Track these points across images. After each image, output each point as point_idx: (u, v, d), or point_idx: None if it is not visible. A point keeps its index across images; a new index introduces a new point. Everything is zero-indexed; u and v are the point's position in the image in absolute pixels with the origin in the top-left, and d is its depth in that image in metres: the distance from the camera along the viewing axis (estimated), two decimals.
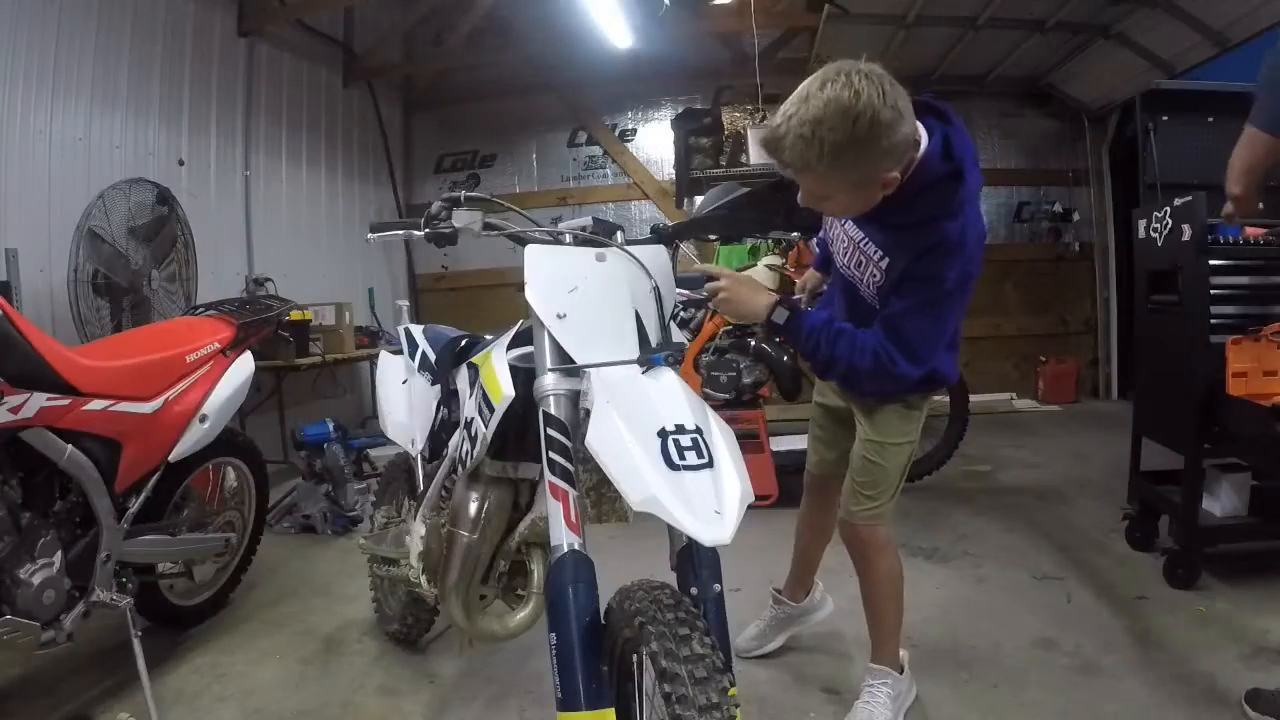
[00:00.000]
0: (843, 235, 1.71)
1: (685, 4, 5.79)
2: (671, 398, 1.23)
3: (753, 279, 1.68)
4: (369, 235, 1.61)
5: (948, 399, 3.87)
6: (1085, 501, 3.60)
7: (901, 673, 1.91)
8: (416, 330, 2.28)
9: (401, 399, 2.26)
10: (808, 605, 2.25)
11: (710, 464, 1.14)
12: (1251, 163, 1.75)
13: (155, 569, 2.32)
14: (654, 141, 6.79)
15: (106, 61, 3.74)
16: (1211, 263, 2.55)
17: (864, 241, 1.64)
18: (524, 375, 1.45)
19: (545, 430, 1.28)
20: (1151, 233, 2.82)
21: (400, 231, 1.57)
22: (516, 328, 1.64)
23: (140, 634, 1.97)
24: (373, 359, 4.74)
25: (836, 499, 2.08)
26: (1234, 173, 1.82)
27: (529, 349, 1.46)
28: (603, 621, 1.19)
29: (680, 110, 6.45)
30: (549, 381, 1.32)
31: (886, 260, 1.58)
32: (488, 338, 1.95)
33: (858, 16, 5.01)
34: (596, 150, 6.88)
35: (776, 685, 2.10)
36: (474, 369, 1.67)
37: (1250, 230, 2.60)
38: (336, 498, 3.73)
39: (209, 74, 4.47)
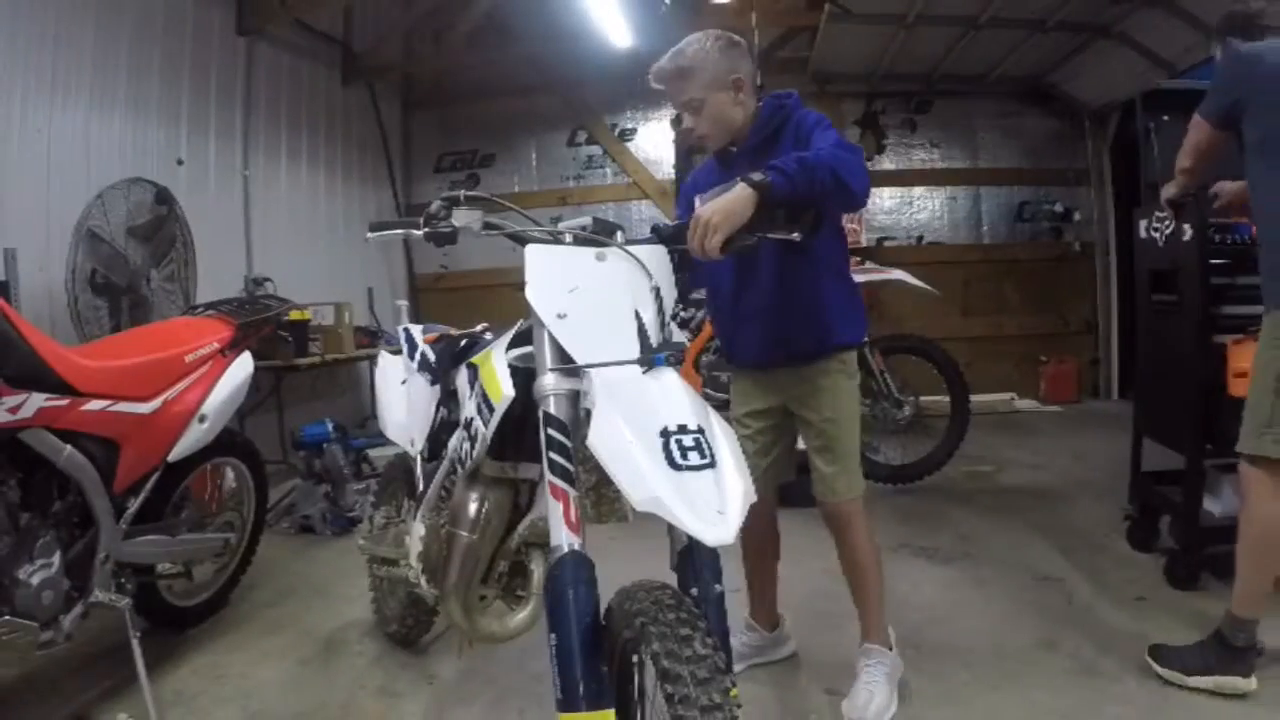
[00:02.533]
0: None
1: (685, 3, 5.79)
2: (673, 398, 1.23)
3: None
4: (368, 234, 1.60)
5: (948, 398, 3.87)
6: (1085, 501, 3.60)
7: (891, 649, 1.98)
8: (416, 330, 2.28)
9: (401, 399, 2.26)
10: (778, 637, 2.24)
11: (712, 464, 1.14)
12: (1195, 143, 2.10)
13: (154, 569, 2.31)
14: (654, 141, 6.79)
15: (105, 61, 3.73)
16: (1211, 263, 2.55)
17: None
18: (524, 375, 1.45)
19: (545, 430, 1.27)
20: (1151, 233, 2.81)
21: (400, 231, 1.57)
22: (516, 328, 1.64)
23: (139, 634, 1.97)
24: (372, 359, 4.73)
25: (771, 511, 2.14)
26: (1183, 151, 2.17)
27: (529, 349, 1.46)
28: (603, 622, 1.18)
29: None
30: (549, 381, 1.31)
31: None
32: (488, 337, 1.95)
33: (858, 16, 5.00)
34: (596, 150, 6.88)
35: (777, 686, 2.10)
36: (474, 369, 1.66)
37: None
38: (336, 498, 3.72)
39: (208, 73, 4.46)
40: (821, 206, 1.65)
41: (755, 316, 1.94)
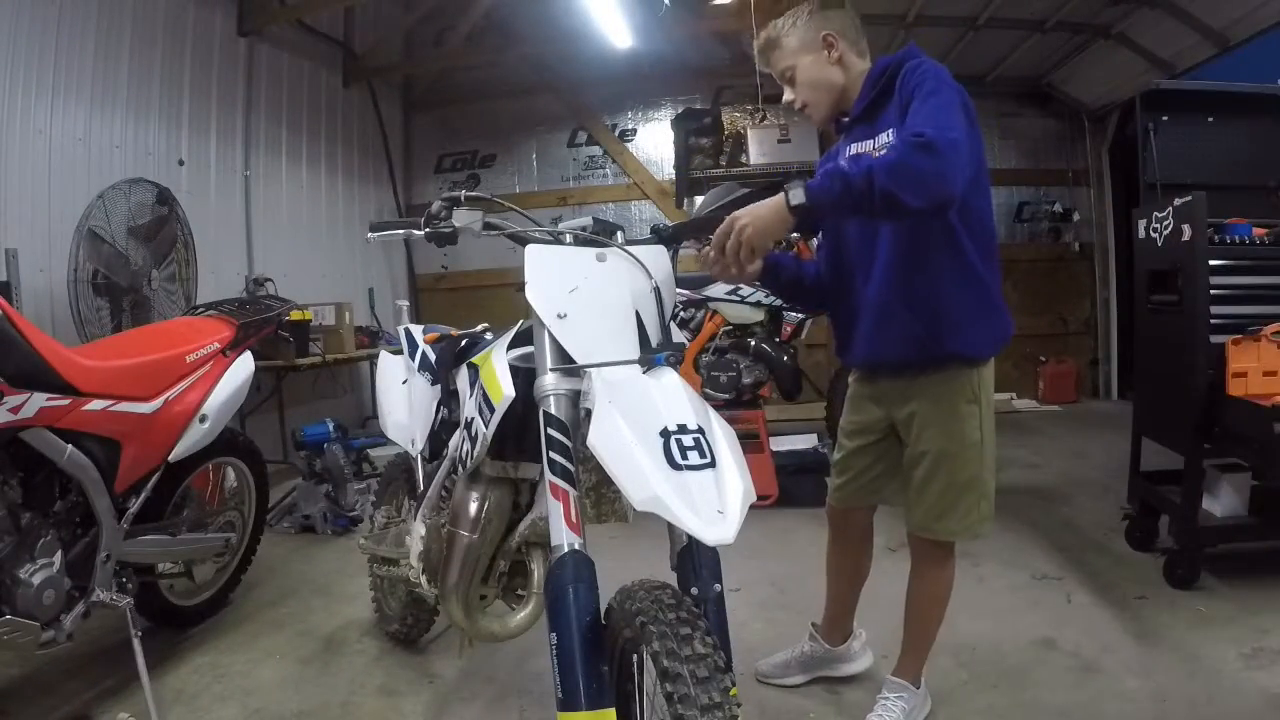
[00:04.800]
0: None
1: (685, 4, 5.79)
2: (673, 398, 1.23)
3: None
4: (369, 234, 1.61)
5: None
6: (1085, 501, 3.60)
7: (919, 688, 1.87)
8: (416, 330, 2.29)
9: (401, 399, 2.26)
10: (843, 653, 2.10)
11: (712, 464, 1.14)
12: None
13: (155, 569, 2.32)
14: (654, 141, 6.79)
15: (106, 61, 3.74)
16: (1211, 263, 2.55)
17: (868, 143, 1.66)
18: (524, 375, 1.45)
19: (546, 430, 1.27)
20: (1151, 233, 2.82)
21: (400, 231, 1.57)
22: (517, 328, 1.64)
23: (140, 634, 1.97)
24: (373, 359, 4.74)
25: (864, 533, 2.01)
26: None
27: (529, 349, 1.46)
28: (603, 621, 1.19)
29: (680, 110, 6.46)
30: (549, 381, 1.31)
31: (893, 129, 1.58)
32: (488, 337, 1.95)
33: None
34: (596, 150, 6.88)
35: (778, 685, 2.10)
36: (474, 369, 1.67)
37: (1256, 230, 2.61)
38: (336, 498, 3.72)
39: (209, 74, 4.47)
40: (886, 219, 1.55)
41: (864, 308, 1.73)
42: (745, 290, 3.40)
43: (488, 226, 1.51)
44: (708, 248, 1.54)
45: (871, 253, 1.71)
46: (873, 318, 1.72)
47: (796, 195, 1.42)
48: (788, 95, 1.79)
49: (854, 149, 1.70)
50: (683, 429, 1.17)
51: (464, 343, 2.06)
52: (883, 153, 1.55)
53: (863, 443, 1.88)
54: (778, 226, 1.45)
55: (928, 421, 1.72)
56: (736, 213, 1.47)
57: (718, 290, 3.49)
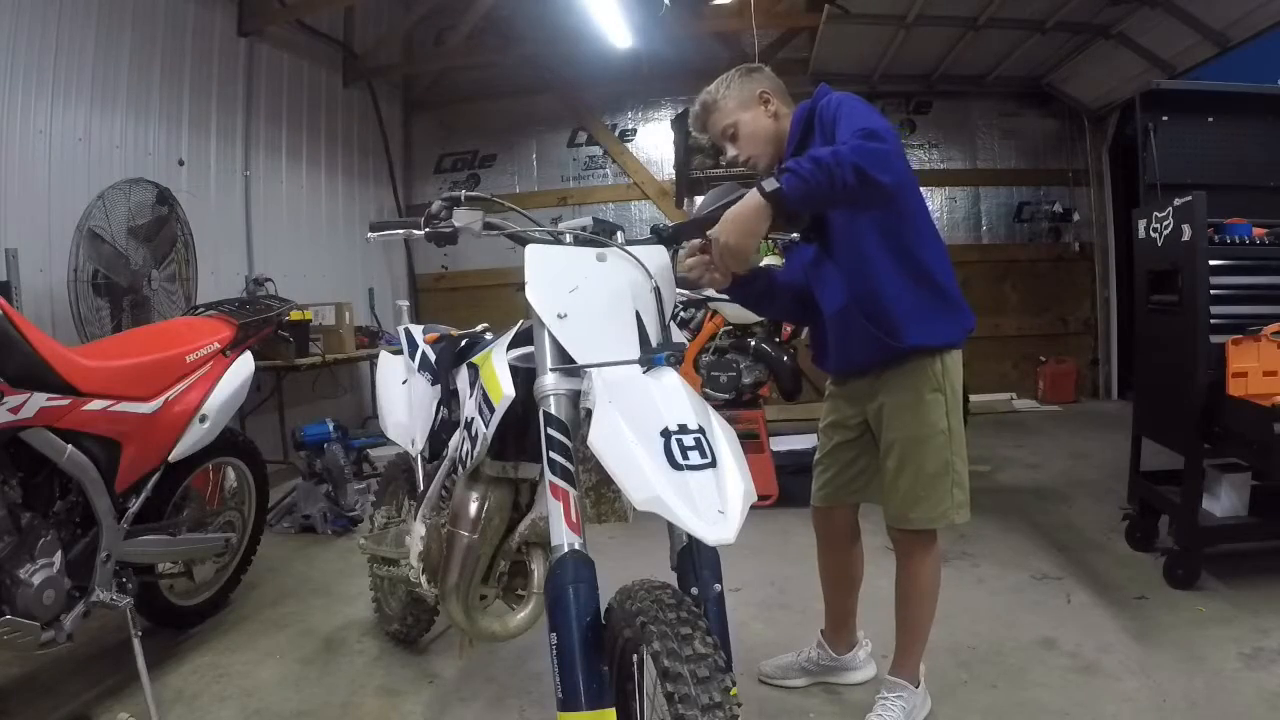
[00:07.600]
0: None
1: (685, 4, 5.80)
2: (673, 397, 1.23)
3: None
4: (369, 234, 1.61)
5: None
6: (1085, 501, 3.60)
7: (918, 686, 1.87)
8: (416, 330, 2.29)
9: (401, 399, 2.26)
10: (849, 661, 2.09)
11: (713, 464, 1.14)
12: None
13: (155, 569, 2.32)
14: (654, 141, 6.80)
15: (106, 61, 3.74)
16: (1211, 263, 2.55)
17: None
18: (524, 375, 1.45)
19: (546, 430, 1.27)
20: (1151, 233, 2.82)
21: (400, 231, 1.57)
22: (517, 328, 1.64)
23: (140, 634, 1.97)
24: (373, 359, 4.74)
25: (850, 534, 2.02)
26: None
27: (529, 349, 1.46)
28: (603, 621, 1.19)
29: (680, 110, 6.46)
30: (550, 381, 1.31)
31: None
32: (488, 337, 1.95)
33: (858, 17, 5.01)
34: (596, 150, 6.88)
35: (777, 684, 2.10)
36: (474, 369, 1.67)
37: (1256, 230, 2.62)
38: (336, 498, 3.72)
39: (209, 74, 4.47)
40: (851, 205, 1.57)
41: (828, 321, 1.84)
42: None
43: (488, 226, 1.51)
44: (686, 253, 1.60)
45: (823, 269, 1.81)
46: (835, 329, 1.83)
47: (770, 183, 1.45)
48: (730, 152, 1.89)
49: None
50: (683, 429, 1.17)
51: (464, 343, 2.06)
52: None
53: (841, 439, 1.93)
54: (756, 221, 1.46)
55: (895, 411, 1.78)
56: (714, 232, 1.49)
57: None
